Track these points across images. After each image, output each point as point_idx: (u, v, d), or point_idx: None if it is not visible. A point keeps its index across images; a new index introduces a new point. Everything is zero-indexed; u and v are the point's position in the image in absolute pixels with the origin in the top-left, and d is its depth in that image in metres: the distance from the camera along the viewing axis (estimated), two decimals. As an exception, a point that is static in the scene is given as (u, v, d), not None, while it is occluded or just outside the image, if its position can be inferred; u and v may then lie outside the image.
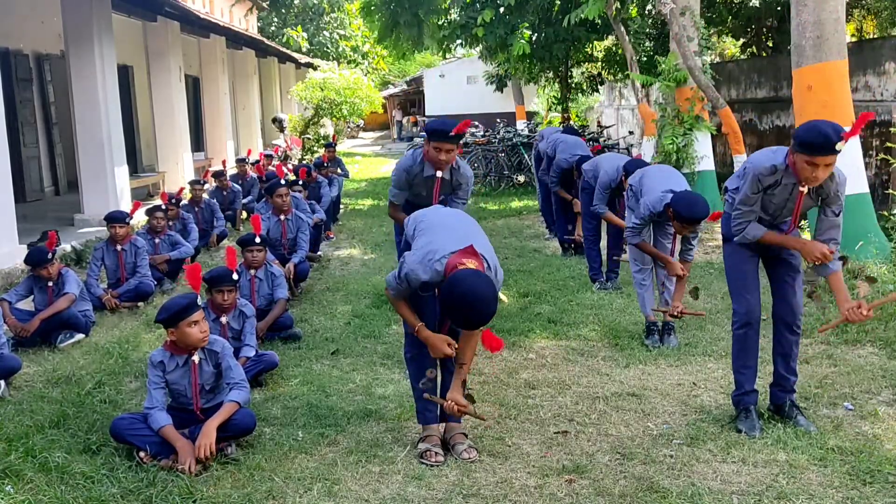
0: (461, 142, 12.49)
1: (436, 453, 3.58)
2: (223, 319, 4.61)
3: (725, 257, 3.94)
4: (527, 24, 13.18)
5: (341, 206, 11.74)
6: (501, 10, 12.73)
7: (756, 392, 3.91)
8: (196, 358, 3.74)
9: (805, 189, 3.55)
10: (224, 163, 11.72)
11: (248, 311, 4.74)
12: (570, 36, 14.07)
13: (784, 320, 3.89)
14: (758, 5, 13.43)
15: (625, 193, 5.79)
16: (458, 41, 13.74)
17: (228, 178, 10.44)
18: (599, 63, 18.07)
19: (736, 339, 3.90)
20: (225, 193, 10.26)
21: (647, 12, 13.21)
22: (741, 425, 3.82)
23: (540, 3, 13.12)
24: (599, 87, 19.38)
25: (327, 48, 30.18)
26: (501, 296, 6.40)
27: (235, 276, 4.64)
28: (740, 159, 9.51)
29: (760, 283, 3.90)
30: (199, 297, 3.73)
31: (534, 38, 13.62)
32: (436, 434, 3.69)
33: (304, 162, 14.43)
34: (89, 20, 9.62)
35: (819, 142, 3.31)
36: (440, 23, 14.23)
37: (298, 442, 3.76)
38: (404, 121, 35.71)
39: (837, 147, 3.28)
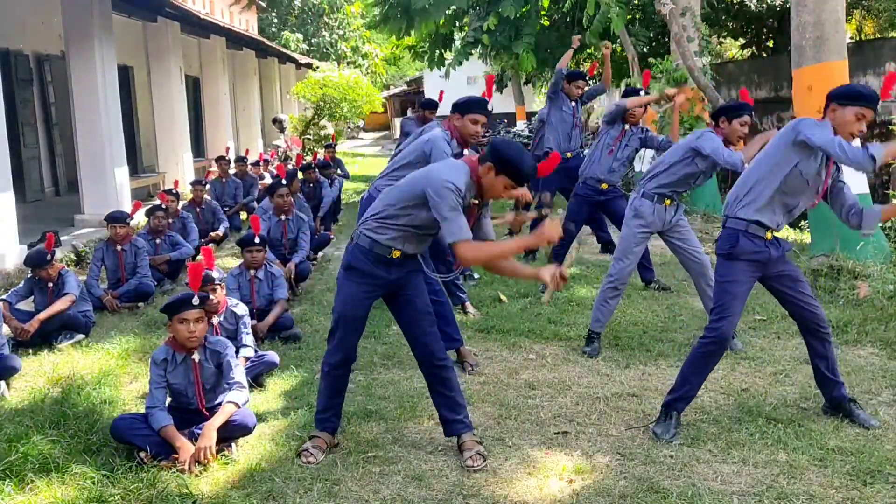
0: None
1: (309, 453, 3.59)
2: (214, 320, 4.54)
3: (724, 274, 3.80)
4: (528, 31, 13.19)
5: (342, 207, 11.74)
6: (506, 15, 12.75)
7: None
8: (196, 357, 3.74)
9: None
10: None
11: (239, 311, 4.68)
12: (587, 44, 14.07)
13: (815, 332, 3.89)
14: (757, 11, 13.42)
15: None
16: (469, 55, 13.78)
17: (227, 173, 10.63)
18: (599, 64, 18.08)
19: (702, 354, 3.82)
20: (224, 181, 10.51)
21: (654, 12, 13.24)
22: (658, 428, 3.80)
23: (540, 9, 13.16)
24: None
25: (326, 49, 30.18)
26: (501, 296, 6.41)
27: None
28: (740, 160, 9.49)
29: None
30: (195, 295, 3.72)
31: (536, 40, 13.63)
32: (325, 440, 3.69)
33: (306, 161, 14.46)
34: (89, 20, 9.62)
35: (869, 92, 3.56)
36: (435, 43, 14.36)
37: (298, 442, 3.76)
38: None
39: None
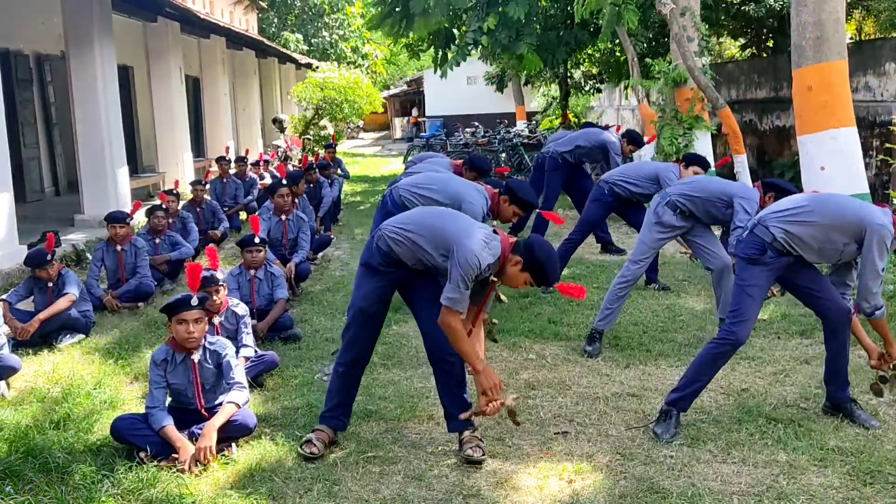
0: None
1: (313, 444, 3.61)
2: (215, 320, 4.53)
3: (745, 279, 3.81)
4: (530, 31, 13.16)
5: (341, 207, 11.75)
6: (507, 17, 12.71)
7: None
8: (196, 357, 3.74)
9: None
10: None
11: (240, 311, 4.68)
12: (574, 39, 14.08)
13: (833, 324, 3.89)
14: (756, 15, 13.39)
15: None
16: (467, 56, 13.80)
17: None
18: (598, 64, 18.10)
19: (715, 355, 3.83)
20: (224, 181, 10.58)
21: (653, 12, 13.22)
22: (658, 428, 3.80)
23: (544, 12, 13.14)
24: (600, 86, 19.40)
25: (326, 49, 30.19)
26: (501, 296, 6.41)
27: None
28: (741, 160, 9.50)
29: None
30: (193, 297, 3.72)
31: (536, 40, 13.60)
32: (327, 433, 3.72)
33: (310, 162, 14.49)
34: (89, 20, 9.62)
35: None
36: (444, 41, 14.35)
37: (298, 442, 3.76)
38: (404, 121, 35.68)
39: None
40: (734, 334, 3.79)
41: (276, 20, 29.99)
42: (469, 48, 13.12)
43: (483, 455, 3.53)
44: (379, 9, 14.54)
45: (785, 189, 4.82)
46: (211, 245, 8.34)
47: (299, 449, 3.60)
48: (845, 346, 3.92)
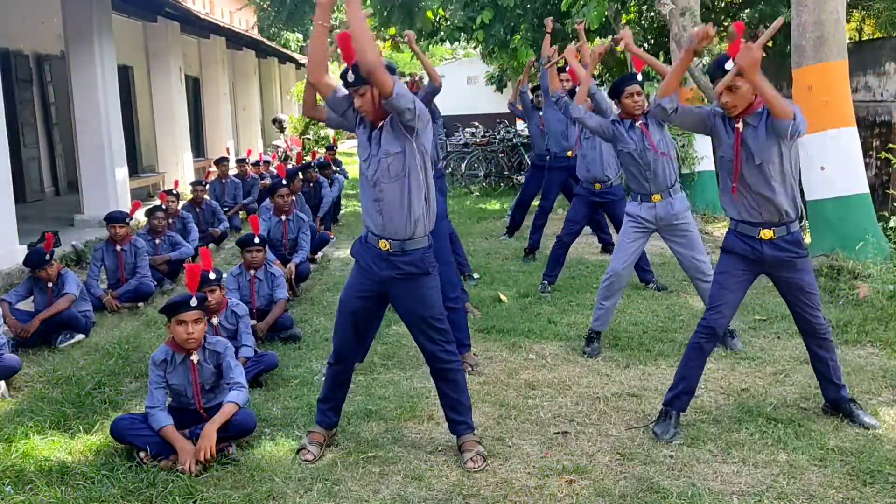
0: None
1: (308, 451, 3.62)
2: (214, 320, 4.55)
3: (718, 265, 3.88)
4: (526, 27, 13.15)
5: (342, 207, 11.75)
6: (502, 10, 12.67)
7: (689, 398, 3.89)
8: (195, 358, 3.74)
9: (739, 125, 3.69)
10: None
11: (240, 311, 4.69)
12: (571, 36, 14.07)
13: (813, 337, 3.89)
14: (755, 17, 13.39)
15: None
16: (457, 42, 13.69)
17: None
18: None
19: (696, 346, 3.83)
20: (224, 182, 10.66)
21: (652, 13, 13.20)
22: (658, 428, 3.81)
23: (539, 5, 13.10)
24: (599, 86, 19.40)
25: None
26: (501, 296, 6.41)
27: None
28: (740, 159, 9.49)
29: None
30: (193, 297, 3.72)
31: (531, 37, 13.57)
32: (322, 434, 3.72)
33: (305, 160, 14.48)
34: (89, 20, 9.63)
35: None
36: (436, 20, 14.22)
37: (298, 442, 3.76)
38: None
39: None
40: (706, 321, 3.83)
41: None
42: (458, 32, 13.01)
43: (484, 463, 3.53)
44: (378, 17, 14.50)
45: (616, 84, 5.05)
46: (204, 247, 8.35)
47: (297, 457, 3.61)
48: (823, 357, 3.91)
